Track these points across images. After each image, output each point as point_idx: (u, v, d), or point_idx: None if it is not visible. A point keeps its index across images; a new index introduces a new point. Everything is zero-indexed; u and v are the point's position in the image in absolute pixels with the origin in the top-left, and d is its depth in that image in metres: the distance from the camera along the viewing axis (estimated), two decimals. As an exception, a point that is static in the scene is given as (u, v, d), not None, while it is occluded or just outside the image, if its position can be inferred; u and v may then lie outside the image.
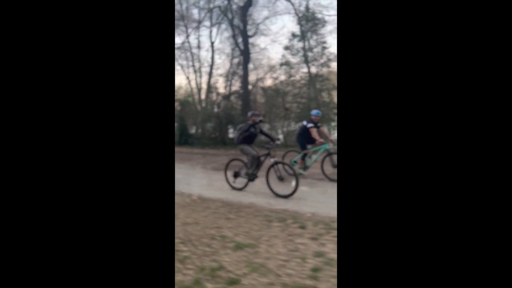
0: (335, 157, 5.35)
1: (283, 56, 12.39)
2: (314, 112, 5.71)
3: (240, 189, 4.81)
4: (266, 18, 12.25)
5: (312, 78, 11.90)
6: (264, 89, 12.73)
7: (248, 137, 4.72)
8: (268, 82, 12.84)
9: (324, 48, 12.05)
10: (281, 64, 12.41)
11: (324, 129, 6.40)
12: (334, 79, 11.70)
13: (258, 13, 15.43)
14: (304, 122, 5.68)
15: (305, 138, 5.56)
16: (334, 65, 11.76)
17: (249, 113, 4.89)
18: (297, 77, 12.44)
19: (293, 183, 4.19)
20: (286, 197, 4.23)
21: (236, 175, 4.92)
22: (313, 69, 12.13)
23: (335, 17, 10.98)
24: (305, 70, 12.19)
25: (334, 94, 11.75)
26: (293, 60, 12.30)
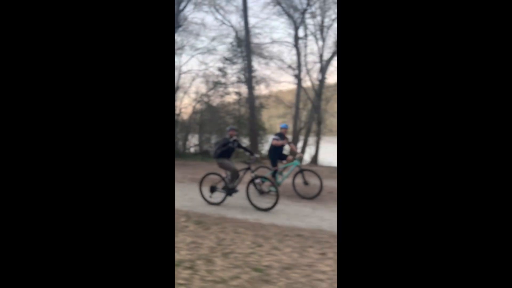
0: (306, 174, 5.42)
1: (217, 76, 13.86)
2: (282, 125, 5.79)
3: (217, 204, 4.72)
4: (213, 39, 13.87)
5: (246, 98, 13.49)
6: (209, 105, 13.99)
7: (226, 152, 4.76)
8: (211, 99, 14.15)
9: (252, 71, 13.74)
10: (215, 84, 13.82)
11: (293, 145, 6.59)
12: (261, 99, 13.59)
13: (207, 33, 18.17)
14: (273, 136, 5.76)
15: (276, 154, 5.59)
16: (260, 87, 13.67)
17: (228, 128, 5.01)
18: (232, 95, 14.00)
19: (273, 197, 4.42)
20: (266, 210, 4.35)
21: (212, 189, 4.82)
22: (243, 90, 13.77)
23: (267, 44, 12.87)
24: (237, 90, 13.84)
25: (262, 112, 13.64)
26: (225, 81, 13.82)
